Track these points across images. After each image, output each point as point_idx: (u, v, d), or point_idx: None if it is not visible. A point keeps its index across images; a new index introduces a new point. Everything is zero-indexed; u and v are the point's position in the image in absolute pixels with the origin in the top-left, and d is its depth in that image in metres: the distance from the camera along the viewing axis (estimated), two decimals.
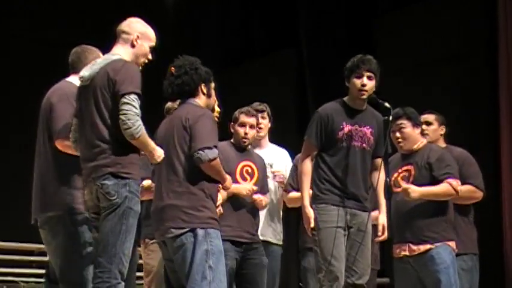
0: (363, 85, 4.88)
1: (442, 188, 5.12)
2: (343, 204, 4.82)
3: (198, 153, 4.39)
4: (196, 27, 10.92)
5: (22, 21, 9.49)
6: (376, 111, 4.98)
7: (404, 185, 5.06)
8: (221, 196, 4.96)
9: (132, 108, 4.11)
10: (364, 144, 4.91)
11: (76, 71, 4.60)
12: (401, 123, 5.25)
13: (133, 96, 4.14)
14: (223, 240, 4.70)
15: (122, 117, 4.11)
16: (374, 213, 5.21)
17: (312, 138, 4.93)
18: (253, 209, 5.34)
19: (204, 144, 4.39)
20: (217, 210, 4.83)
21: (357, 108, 4.96)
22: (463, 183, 5.42)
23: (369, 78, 4.89)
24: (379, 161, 4.98)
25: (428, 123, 5.64)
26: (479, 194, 5.54)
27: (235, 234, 5.18)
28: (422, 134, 5.48)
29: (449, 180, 5.14)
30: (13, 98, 9.18)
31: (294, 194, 5.59)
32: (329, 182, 4.86)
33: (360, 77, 4.89)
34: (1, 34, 9.34)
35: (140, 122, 4.13)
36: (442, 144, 5.67)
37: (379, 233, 4.86)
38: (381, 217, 4.89)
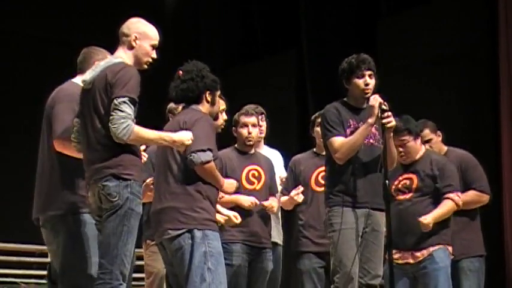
0: (367, 84, 4.87)
1: (447, 207, 5.17)
2: (357, 205, 4.79)
3: (191, 156, 4.36)
4: (196, 28, 10.92)
5: (23, 21, 9.50)
6: None
7: (421, 220, 5.04)
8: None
9: (117, 112, 4.09)
10: (371, 140, 4.89)
11: (82, 71, 4.58)
12: (404, 139, 5.23)
13: (121, 100, 4.11)
14: (234, 242, 4.65)
15: (109, 122, 4.12)
16: None
17: (340, 130, 4.83)
18: (264, 215, 5.36)
19: (198, 147, 4.36)
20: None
21: (359, 107, 4.95)
22: (467, 188, 5.48)
23: (369, 76, 4.89)
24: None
25: (427, 141, 5.60)
26: (485, 198, 5.57)
27: (246, 238, 5.22)
28: (423, 141, 5.46)
29: (451, 195, 5.19)
30: (13, 98, 9.18)
31: (284, 198, 5.61)
32: (341, 183, 4.82)
33: (362, 76, 4.88)
34: (1, 34, 9.34)
35: (126, 124, 4.08)
36: (442, 148, 5.68)
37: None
38: None
